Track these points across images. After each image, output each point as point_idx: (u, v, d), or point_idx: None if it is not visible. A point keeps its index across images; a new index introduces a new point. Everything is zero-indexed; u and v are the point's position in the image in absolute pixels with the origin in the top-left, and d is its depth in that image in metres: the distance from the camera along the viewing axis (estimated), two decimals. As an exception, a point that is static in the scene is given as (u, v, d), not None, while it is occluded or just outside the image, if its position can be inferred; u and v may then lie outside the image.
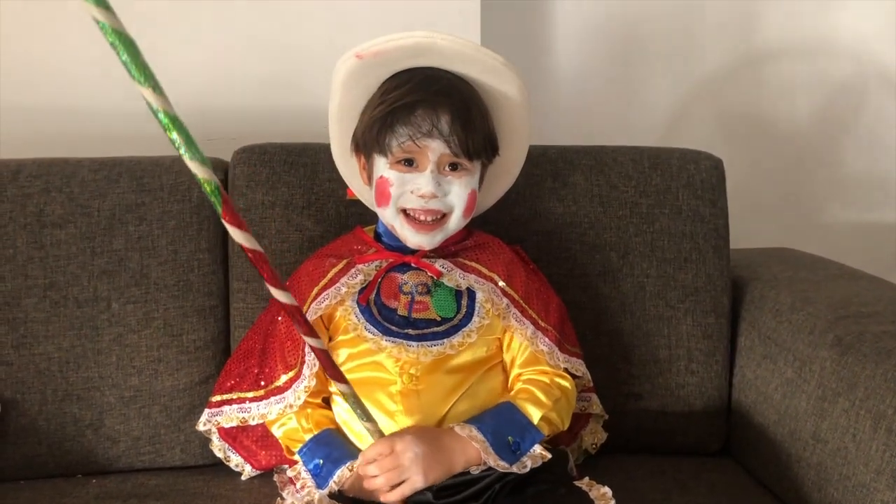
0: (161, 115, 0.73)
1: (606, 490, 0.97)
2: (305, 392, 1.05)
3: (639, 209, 1.27)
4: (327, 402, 1.11)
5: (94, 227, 1.20)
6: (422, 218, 1.05)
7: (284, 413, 1.07)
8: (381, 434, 0.96)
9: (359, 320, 1.07)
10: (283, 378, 1.07)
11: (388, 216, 1.07)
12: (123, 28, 0.68)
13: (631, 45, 1.73)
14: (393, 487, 0.95)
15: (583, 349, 1.16)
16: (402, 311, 1.07)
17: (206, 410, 1.13)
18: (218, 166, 1.27)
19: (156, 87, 0.72)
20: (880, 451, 0.97)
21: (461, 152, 1.03)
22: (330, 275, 1.09)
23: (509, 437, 0.99)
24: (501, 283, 1.09)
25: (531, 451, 0.99)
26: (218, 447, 1.15)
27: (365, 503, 0.98)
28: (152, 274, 1.20)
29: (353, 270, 1.08)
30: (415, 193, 1.04)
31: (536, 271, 1.17)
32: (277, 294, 0.85)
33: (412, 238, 1.06)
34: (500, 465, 0.97)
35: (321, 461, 1.02)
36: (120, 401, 1.19)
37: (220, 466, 1.17)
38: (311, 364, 1.05)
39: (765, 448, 1.19)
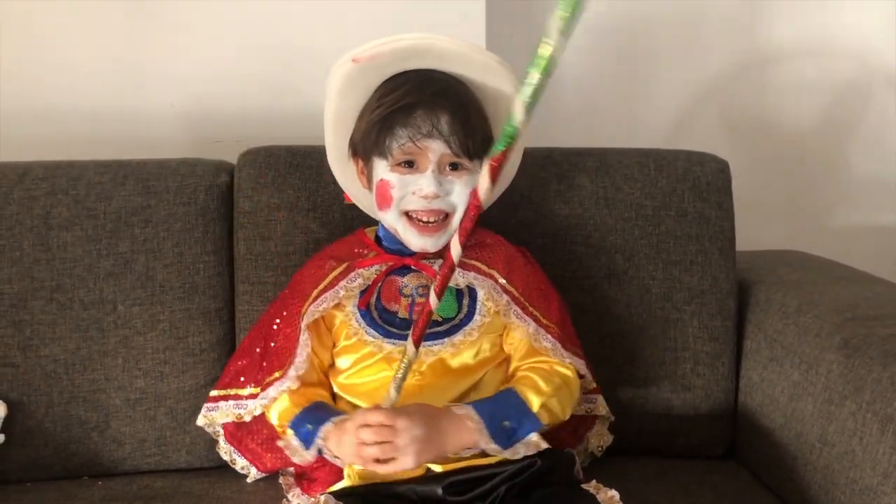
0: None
1: (614, 493, 0.96)
2: (286, 392, 1.06)
3: (644, 211, 1.27)
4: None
5: (100, 229, 1.20)
6: (425, 219, 1.05)
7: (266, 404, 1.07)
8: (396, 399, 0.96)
9: (359, 325, 1.07)
10: (274, 375, 1.07)
11: (391, 220, 1.07)
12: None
13: (636, 47, 1.73)
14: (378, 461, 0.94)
15: (588, 351, 1.15)
16: (402, 314, 1.07)
17: (204, 405, 1.14)
18: (223, 168, 1.27)
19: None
20: (888, 454, 0.97)
21: (462, 152, 1.03)
22: (329, 277, 1.08)
23: (506, 422, 0.99)
24: (502, 280, 1.08)
25: (526, 438, 0.99)
26: (224, 450, 1.15)
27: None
28: (158, 276, 1.20)
29: (352, 274, 1.08)
30: (417, 194, 1.03)
31: (540, 271, 1.16)
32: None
33: (416, 241, 1.06)
34: (492, 449, 0.97)
35: (310, 426, 1.02)
36: (126, 403, 1.19)
37: (225, 468, 1.17)
38: (298, 366, 1.05)
39: (771, 451, 1.19)
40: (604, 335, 1.25)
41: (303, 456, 1.01)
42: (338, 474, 1.04)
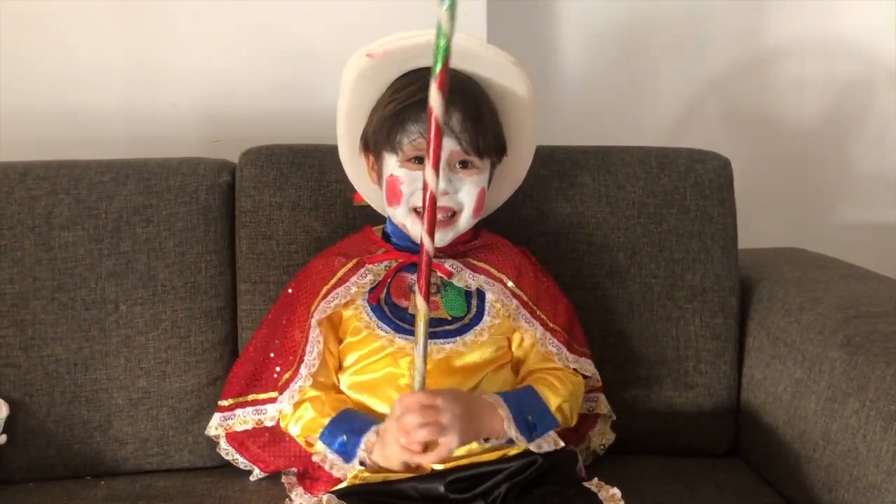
0: None
1: (616, 491, 0.96)
2: (300, 393, 1.05)
3: (646, 209, 1.27)
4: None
5: (101, 229, 1.20)
6: None
7: (285, 413, 1.06)
8: (422, 385, 0.94)
9: (371, 318, 1.06)
10: (285, 377, 1.07)
11: (400, 215, 1.07)
12: None
13: (638, 45, 1.72)
14: (423, 448, 0.93)
15: (590, 350, 1.15)
16: (412, 310, 1.07)
17: (218, 415, 1.13)
18: (225, 168, 1.27)
19: None
20: (891, 451, 0.97)
21: (472, 150, 1.03)
22: (339, 274, 1.08)
23: (529, 416, 1.00)
24: (511, 285, 1.09)
25: (547, 434, 1.00)
26: (225, 450, 1.15)
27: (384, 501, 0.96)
28: (160, 276, 1.20)
29: (362, 270, 1.08)
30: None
31: (544, 272, 1.17)
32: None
33: None
34: (520, 440, 0.97)
35: (345, 437, 1.00)
36: (128, 403, 1.19)
37: (228, 468, 1.17)
38: (309, 364, 1.05)
39: (774, 449, 1.19)
40: (606, 333, 1.25)
41: (343, 469, 1.00)
42: (340, 473, 1.04)
